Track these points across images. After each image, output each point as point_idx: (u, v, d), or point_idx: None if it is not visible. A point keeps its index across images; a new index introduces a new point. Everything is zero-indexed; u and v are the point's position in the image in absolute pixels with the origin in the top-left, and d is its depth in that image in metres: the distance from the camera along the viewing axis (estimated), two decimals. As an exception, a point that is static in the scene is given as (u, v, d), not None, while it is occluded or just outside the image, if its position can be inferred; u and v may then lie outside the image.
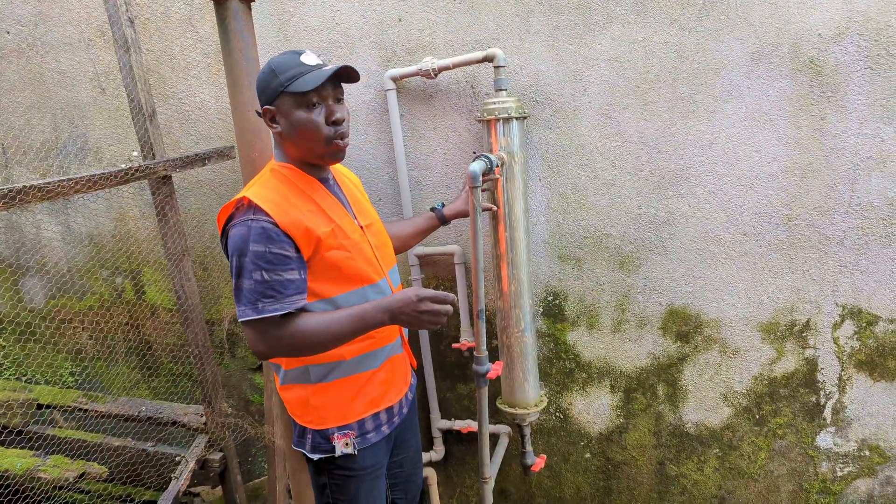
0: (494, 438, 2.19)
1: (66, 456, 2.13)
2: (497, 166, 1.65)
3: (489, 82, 1.92)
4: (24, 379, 2.79)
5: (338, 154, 1.32)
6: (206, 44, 2.21)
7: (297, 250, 1.25)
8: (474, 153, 2.01)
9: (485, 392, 1.58)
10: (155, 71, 2.27)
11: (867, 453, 1.90)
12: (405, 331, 1.54)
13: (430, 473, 2.31)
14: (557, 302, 2.08)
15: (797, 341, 1.88)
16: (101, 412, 2.29)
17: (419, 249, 2.13)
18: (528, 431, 2.01)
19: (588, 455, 2.21)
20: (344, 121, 1.30)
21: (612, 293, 2.01)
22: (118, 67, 1.95)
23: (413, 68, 1.94)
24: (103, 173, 1.73)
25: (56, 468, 2.06)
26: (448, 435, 2.35)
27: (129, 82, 1.93)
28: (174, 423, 2.23)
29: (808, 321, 1.85)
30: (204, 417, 2.18)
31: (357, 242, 1.36)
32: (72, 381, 2.78)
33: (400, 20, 1.97)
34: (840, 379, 1.87)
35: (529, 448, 2.03)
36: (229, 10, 1.56)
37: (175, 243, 2.01)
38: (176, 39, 2.23)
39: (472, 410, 2.31)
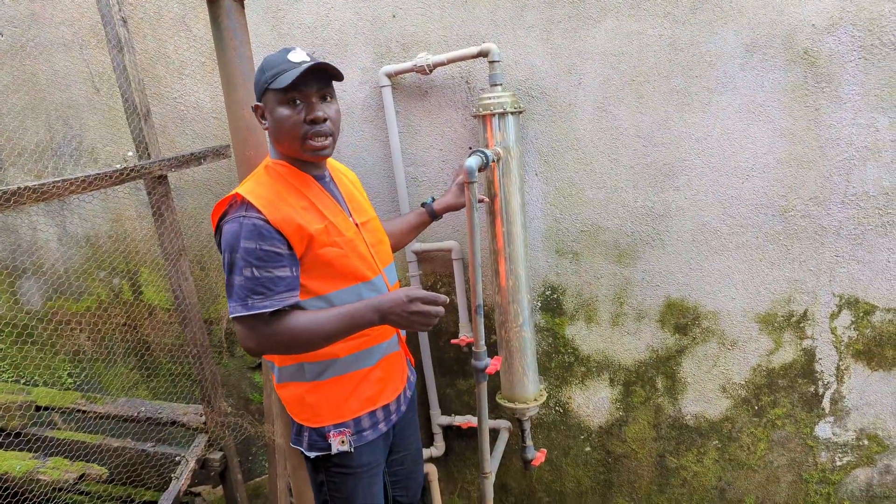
0: (494, 433, 2.19)
1: (66, 457, 2.13)
2: (493, 161, 1.65)
3: (484, 77, 1.91)
4: (22, 381, 2.78)
5: (315, 152, 1.29)
6: (201, 43, 2.20)
7: (290, 247, 1.25)
8: (470, 149, 2.01)
9: (484, 387, 1.58)
10: (149, 70, 2.26)
11: (866, 442, 1.91)
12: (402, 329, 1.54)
13: (431, 469, 2.32)
14: (555, 296, 2.08)
15: (795, 332, 1.88)
16: (100, 413, 2.28)
17: (416, 246, 2.13)
18: (528, 426, 2.02)
19: (588, 448, 2.21)
20: (323, 120, 1.27)
21: (610, 287, 2.01)
22: (112, 67, 1.94)
23: (408, 64, 1.93)
24: (98, 174, 1.73)
25: (56, 470, 2.06)
26: (448, 431, 2.35)
27: (122, 82, 1.92)
28: (174, 423, 2.23)
29: (805, 312, 1.86)
30: (203, 417, 2.18)
31: (351, 240, 1.36)
32: (70, 383, 2.78)
33: (394, 16, 1.97)
34: (838, 369, 1.88)
35: (530, 442, 2.04)
36: (222, 9, 1.56)
37: (172, 243, 2.00)
38: (170, 39, 2.23)
39: (471, 406, 2.31)
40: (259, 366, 2.53)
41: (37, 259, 2.64)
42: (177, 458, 2.15)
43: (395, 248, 1.70)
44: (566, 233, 2.00)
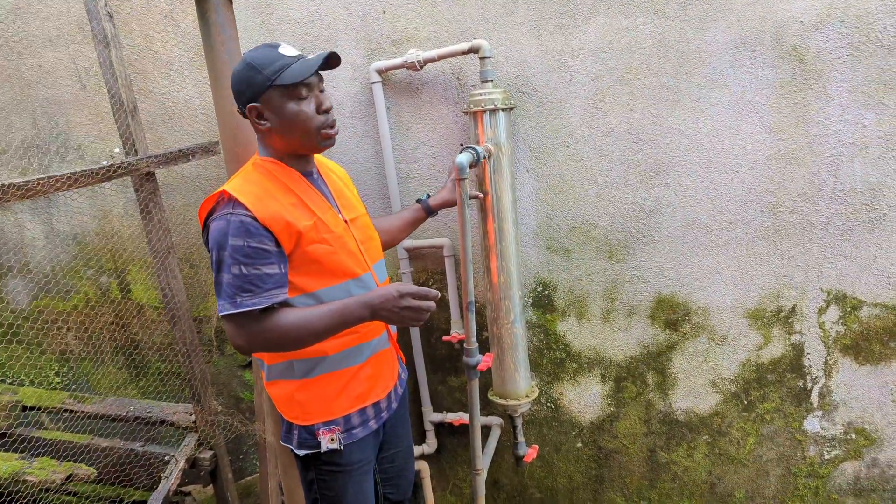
0: (486, 430, 2.20)
1: (54, 458, 2.10)
2: (484, 158, 1.65)
3: (475, 74, 1.91)
4: (8, 381, 2.75)
5: (329, 142, 1.33)
6: (189, 38, 2.18)
7: (278, 244, 1.24)
8: (461, 145, 2.00)
9: (476, 384, 1.58)
10: (136, 66, 2.23)
11: (853, 436, 1.93)
12: (392, 326, 1.54)
13: (423, 466, 2.32)
14: (547, 292, 2.09)
15: (783, 327, 1.90)
16: (88, 413, 2.26)
17: (408, 243, 2.13)
18: (519, 422, 2.02)
19: (580, 444, 2.22)
20: (332, 108, 1.32)
21: (601, 283, 2.02)
22: (98, 63, 1.92)
23: (398, 60, 1.93)
24: (85, 171, 1.70)
25: (43, 470, 2.03)
26: (440, 428, 2.35)
27: (109, 78, 1.90)
28: (163, 422, 2.21)
29: (793, 307, 1.87)
30: (193, 416, 2.16)
31: (340, 236, 1.35)
32: (58, 382, 2.75)
33: (384, 12, 1.95)
34: (826, 363, 1.89)
35: (521, 439, 2.04)
36: (210, 4, 1.54)
37: (160, 241, 1.98)
38: (157, 34, 2.20)
39: (463, 403, 2.31)
40: (249, 364, 2.51)
41: (23, 257, 2.60)
42: (166, 458, 2.13)
43: (390, 245, 1.70)
44: (557, 229, 2.01)
